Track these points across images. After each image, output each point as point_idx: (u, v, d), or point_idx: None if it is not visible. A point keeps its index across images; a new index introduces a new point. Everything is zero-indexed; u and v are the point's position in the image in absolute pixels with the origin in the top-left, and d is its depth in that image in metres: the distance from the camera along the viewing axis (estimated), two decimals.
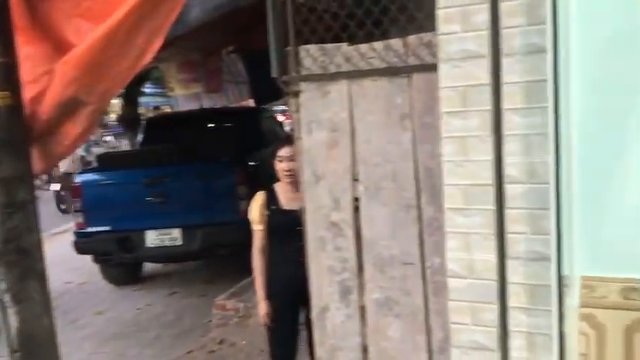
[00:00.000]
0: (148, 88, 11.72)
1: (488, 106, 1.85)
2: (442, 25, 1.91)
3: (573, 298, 1.95)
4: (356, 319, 2.49)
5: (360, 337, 2.49)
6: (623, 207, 2.06)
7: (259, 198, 2.77)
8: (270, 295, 2.74)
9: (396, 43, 2.30)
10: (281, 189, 2.78)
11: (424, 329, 2.39)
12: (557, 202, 1.63)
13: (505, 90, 1.82)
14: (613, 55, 2.03)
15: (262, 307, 2.75)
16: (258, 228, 2.75)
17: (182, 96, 7.53)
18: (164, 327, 4.55)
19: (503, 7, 1.79)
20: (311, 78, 2.44)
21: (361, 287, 2.47)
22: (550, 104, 1.54)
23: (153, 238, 4.98)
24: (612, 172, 2.07)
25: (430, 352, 2.37)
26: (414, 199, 2.35)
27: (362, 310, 2.48)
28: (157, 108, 16.09)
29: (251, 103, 7.60)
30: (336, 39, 2.41)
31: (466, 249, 1.97)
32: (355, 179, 2.43)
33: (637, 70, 2.01)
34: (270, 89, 2.97)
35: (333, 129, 2.43)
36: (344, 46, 2.38)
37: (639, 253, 2.05)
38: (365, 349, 2.48)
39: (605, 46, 2.03)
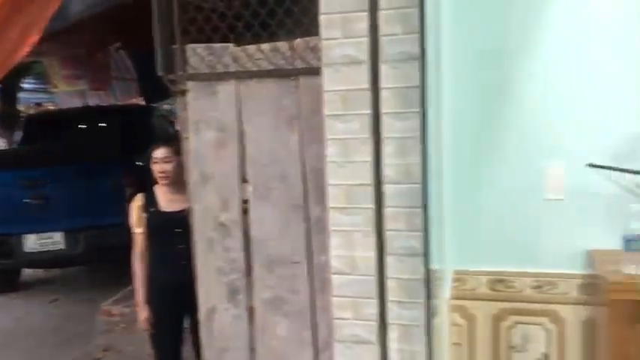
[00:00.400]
0: (28, 84, 10.98)
1: (368, 110, 1.93)
2: (324, 31, 1.97)
3: (445, 291, 2.10)
4: (244, 319, 2.50)
5: (248, 337, 2.50)
6: (490, 207, 2.25)
7: (138, 200, 2.72)
8: (151, 300, 2.69)
9: (283, 45, 2.33)
10: (161, 190, 2.74)
11: (310, 326, 2.44)
12: (425, 201, 1.73)
13: (383, 95, 1.91)
14: (483, 66, 2.21)
15: (142, 312, 2.70)
16: (137, 231, 2.69)
17: (66, 93, 7.15)
18: (45, 336, 4.30)
19: (382, 15, 1.88)
20: (198, 77, 2.42)
21: (250, 287, 2.49)
22: (419, 109, 1.64)
23: (32, 242, 4.71)
24: (480, 174, 2.25)
25: (316, 348, 2.42)
26: (302, 199, 2.40)
27: (250, 310, 2.50)
28: (38, 105, 15.10)
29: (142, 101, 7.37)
30: (225, 39, 2.41)
31: (348, 246, 2.04)
32: (244, 180, 2.44)
33: (502, 82, 2.20)
34: (160, 87, 2.92)
35: (221, 129, 2.43)
36: (232, 47, 2.39)
37: (504, 247, 2.25)
38: (253, 349, 2.50)
39: (477, 58, 2.21)
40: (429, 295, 1.81)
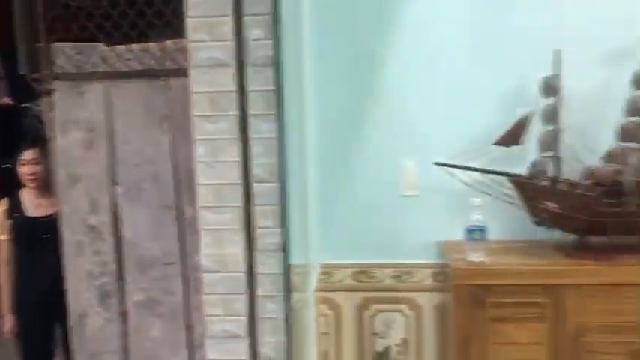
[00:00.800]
0: None
1: (236, 111, 2.00)
2: (191, 33, 2.01)
3: (312, 284, 2.21)
4: (116, 322, 2.47)
5: (121, 340, 2.47)
6: (353, 203, 2.41)
7: (2, 205, 2.60)
8: (19, 310, 2.59)
9: (153, 46, 2.34)
10: (28, 194, 2.64)
11: (185, 326, 2.47)
12: (284, 199, 1.84)
13: (250, 97, 1.99)
14: (347, 68, 2.36)
15: (7, 322, 2.59)
16: (1, 238, 2.58)
17: None
18: None
19: (246, 20, 1.95)
20: (65, 77, 2.36)
21: (122, 290, 2.46)
22: (276, 112, 1.74)
23: None
24: (344, 172, 2.40)
25: (191, 347, 2.45)
26: (174, 200, 2.42)
27: (123, 313, 2.47)
28: None
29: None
30: (94, 39, 2.37)
31: (218, 244, 2.09)
32: (115, 181, 2.41)
33: (364, 83, 2.37)
34: (30, 87, 2.81)
35: (90, 129, 2.38)
36: (101, 46, 2.35)
37: (366, 241, 2.41)
38: (126, 352, 2.47)
39: (341, 60, 2.36)
40: (290, 289, 1.91)
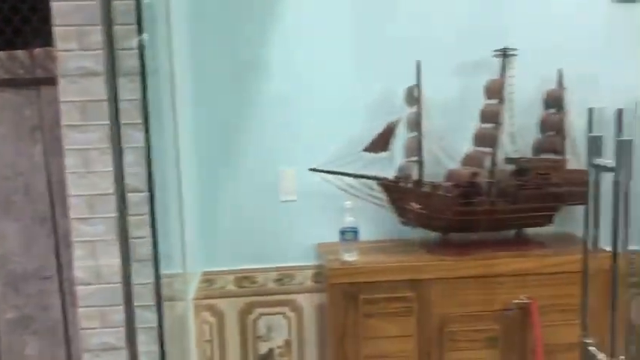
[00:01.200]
0: None
1: (107, 121, 1.98)
2: (60, 42, 1.98)
3: (191, 292, 2.23)
4: None
5: None
6: (233, 210, 2.45)
7: None
8: None
9: (21, 54, 2.26)
10: None
11: (64, 341, 2.39)
12: (154, 208, 1.86)
13: (122, 106, 1.98)
14: (225, 76, 2.40)
15: None
16: None
17: None
18: None
19: (117, 30, 1.94)
20: None
21: None
22: (145, 120, 1.76)
23: None
24: (224, 179, 2.44)
25: None
26: (49, 212, 2.34)
27: None
28: None
29: None
30: None
31: (92, 256, 2.06)
32: None
33: (243, 91, 2.42)
34: None
35: None
36: None
37: (247, 247, 2.47)
38: None
39: (220, 69, 2.40)
40: (168, 298, 1.92)
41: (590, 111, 1.54)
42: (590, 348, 1.56)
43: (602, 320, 1.52)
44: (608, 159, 1.46)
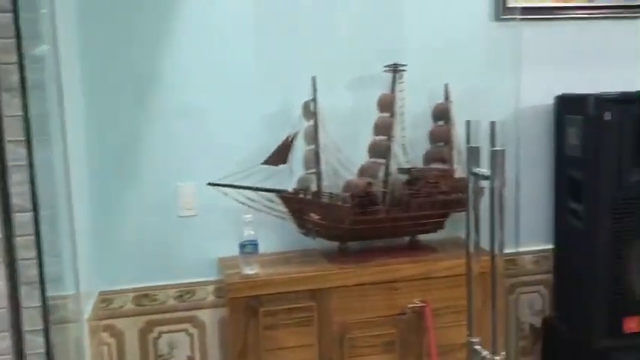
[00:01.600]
0: None
1: None
2: None
3: (85, 313, 2.14)
4: None
5: None
6: (130, 227, 2.39)
7: None
8: None
9: None
10: None
11: None
12: (38, 228, 1.79)
13: (5, 123, 1.89)
14: (120, 90, 2.35)
15: None
16: None
17: None
18: None
19: (1, 43, 1.86)
20: None
21: None
22: (28, 137, 1.70)
23: None
24: (120, 196, 2.38)
25: None
26: None
27: None
28: None
29: None
30: None
31: None
32: None
33: (138, 106, 2.37)
34: None
35: None
36: None
37: (146, 265, 2.42)
38: None
39: (115, 84, 2.34)
40: (57, 321, 1.85)
41: (468, 123, 1.65)
42: (476, 347, 1.66)
43: (488, 319, 1.62)
44: (485, 168, 1.57)
